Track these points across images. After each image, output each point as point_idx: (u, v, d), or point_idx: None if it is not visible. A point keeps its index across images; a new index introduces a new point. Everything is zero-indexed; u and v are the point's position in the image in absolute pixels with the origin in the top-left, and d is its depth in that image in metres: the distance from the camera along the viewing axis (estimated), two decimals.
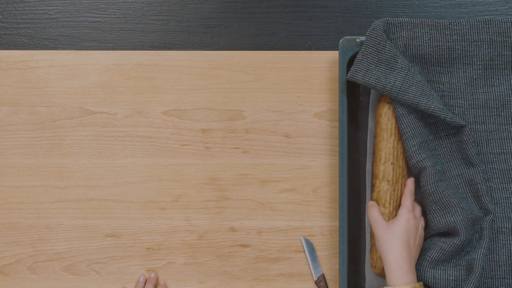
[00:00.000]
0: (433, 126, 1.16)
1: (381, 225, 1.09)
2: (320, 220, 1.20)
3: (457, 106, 1.16)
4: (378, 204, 1.13)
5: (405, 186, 1.14)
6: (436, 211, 1.12)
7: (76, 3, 1.26)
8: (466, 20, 1.15)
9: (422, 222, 1.13)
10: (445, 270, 1.11)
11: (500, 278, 1.13)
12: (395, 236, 1.08)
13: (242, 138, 1.22)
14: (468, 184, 1.14)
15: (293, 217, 1.21)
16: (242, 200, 1.21)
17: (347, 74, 1.16)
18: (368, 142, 1.20)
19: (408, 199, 1.12)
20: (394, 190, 1.13)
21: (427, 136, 1.15)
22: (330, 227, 1.20)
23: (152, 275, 1.20)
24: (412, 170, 1.14)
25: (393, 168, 1.13)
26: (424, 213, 1.15)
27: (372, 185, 1.15)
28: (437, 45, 1.15)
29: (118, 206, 1.22)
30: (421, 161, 1.13)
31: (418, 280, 1.11)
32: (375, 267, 1.14)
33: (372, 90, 1.19)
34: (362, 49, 1.14)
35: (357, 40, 1.17)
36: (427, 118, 1.15)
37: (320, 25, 1.24)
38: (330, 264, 1.20)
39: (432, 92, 1.13)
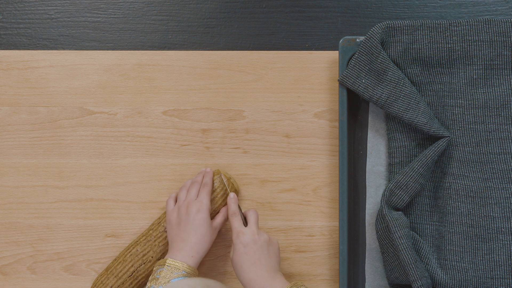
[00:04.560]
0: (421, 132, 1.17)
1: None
2: (320, 220, 1.21)
3: (457, 106, 1.16)
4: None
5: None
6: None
7: (76, 3, 1.26)
8: (466, 21, 1.15)
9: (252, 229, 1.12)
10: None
11: (500, 278, 1.13)
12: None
13: (242, 138, 1.22)
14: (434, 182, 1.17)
15: (293, 217, 1.21)
16: (242, 200, 1.21)
17: None
18: (368, 142, 1.20)
19: (234, 220, 1.12)
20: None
21: (419, 139, 1.16)
22: (330, 227, 1.20)
23: (208, 169, 1.20)
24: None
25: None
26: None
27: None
28: (437, 47, 1.15)
29: (118, 206, 1.22)
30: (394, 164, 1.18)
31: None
32: None
33: None
34: (356, 55, 1.15)
35: (357, 40, 1.17)
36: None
37: (320, 25, 1.24)
38: (330, 264, 1.20)
39: (419, 105, 1.14)
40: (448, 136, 1.14)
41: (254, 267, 1.08)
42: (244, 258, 1.08)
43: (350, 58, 1.17)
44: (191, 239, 1.11)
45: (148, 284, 1.09)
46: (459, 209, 1.15)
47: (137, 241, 1.17)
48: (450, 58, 1.16)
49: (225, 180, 1.17)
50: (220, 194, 1.17)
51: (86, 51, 1.24)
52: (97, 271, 1.21)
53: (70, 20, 1.26)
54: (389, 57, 1.16)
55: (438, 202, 1.16)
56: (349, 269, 1.15)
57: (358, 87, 1.15)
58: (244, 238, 1.09)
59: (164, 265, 1.09)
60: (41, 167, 1.23)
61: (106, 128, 1.23)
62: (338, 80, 1.16)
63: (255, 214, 1.13)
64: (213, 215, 1.17)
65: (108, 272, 1.17)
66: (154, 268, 1.10)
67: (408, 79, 1.17)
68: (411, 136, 1.17)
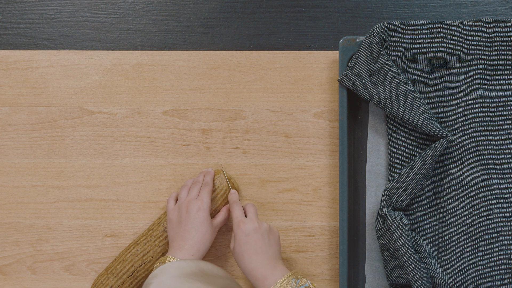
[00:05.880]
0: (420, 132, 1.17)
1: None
2: (320, 220, 1.21)
3: (457, 106, 1.16)
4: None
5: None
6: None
7: (76, 3, 1.26)
8: (466, 21, 1.15)
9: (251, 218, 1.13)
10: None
11: (500, 278, 1.13)
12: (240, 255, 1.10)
13: (242, 138, 1.22)
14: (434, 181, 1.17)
15: (293, 217, 1.21)
16: (242, 200, 1.21)
17: None
18: (368, 142, 1.20)
19: (235, 211, 1.14)
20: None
21: (419, 139, 1.16)
22: (330, 227, 1.20)
23: (210, 169, 1.20)
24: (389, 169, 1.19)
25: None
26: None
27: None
28: (437, 47, 1.15)
29: (118, 206, 1.22)
30: (394, 164, 1.17)
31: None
32: None
33: None
34: (356, 55, 1.15)
35: (357, 40, 1.17)
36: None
37: (320, 25, 1.24)
38: (330, 264, 1.20)
39: (419, 105, 1.14)
40: (448, 136, 1.14)
41: (256, 255, 1.08)
42: (246, 247, 1.08)
43: (350, 58, 1.17)
44: (191, 238, 1.11)
45: None
46: (459, 209, 1.15)
47: (137, 241, 1.17)
48: (450, 58, 1.16)
49: (225, 180, 1.17)
50: (221, 194, 1.17)
51: (86, 51, 1.24)
52: (97, 271, 1.21)
53: (70, 20, 1.26)
54: (389, 57, 1.16)
55: (438, 202, 1.16)
56: (349, 269, 1.15)
57: (358, 87, 1.15)
58: (245, 227, 1.10)
59: (165, 263, 1.09)
60: (41, 167, 1.23)
61: (106, 128, 1.23)
62: (338, 80, 1.16)
63: (253, 206, 1.14)
64: (213, 214, 1.17)
65: (108, 272, 1.17)
66: (155, 266, 1.10)
67: (408, 79, 1.17)
68: (411, 136, 1.17)
